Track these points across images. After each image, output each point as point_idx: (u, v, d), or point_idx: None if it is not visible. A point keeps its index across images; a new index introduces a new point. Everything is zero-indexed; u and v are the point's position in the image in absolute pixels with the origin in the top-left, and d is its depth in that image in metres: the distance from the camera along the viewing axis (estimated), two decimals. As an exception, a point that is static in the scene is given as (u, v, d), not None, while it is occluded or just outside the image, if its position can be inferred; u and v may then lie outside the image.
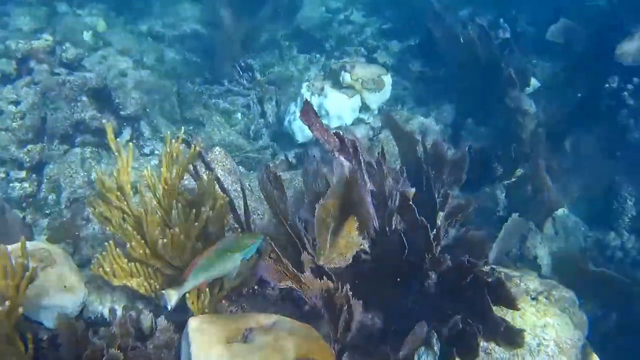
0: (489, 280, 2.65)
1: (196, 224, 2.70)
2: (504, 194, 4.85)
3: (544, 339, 3.10)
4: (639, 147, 4.79)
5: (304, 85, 5.09)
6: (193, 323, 2.44)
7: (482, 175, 4.99)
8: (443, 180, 3.77)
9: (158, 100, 5.34)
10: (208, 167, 3.32)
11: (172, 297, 2.41)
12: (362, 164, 2.91)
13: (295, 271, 2.60)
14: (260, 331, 2.43)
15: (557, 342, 3.12)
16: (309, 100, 4.91)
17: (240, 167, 5.01)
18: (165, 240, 2.63)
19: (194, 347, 2.31)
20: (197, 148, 2.89)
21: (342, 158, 2.97)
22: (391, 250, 2.93)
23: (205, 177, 2.96)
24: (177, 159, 2.85)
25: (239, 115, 5.53)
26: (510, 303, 2.65)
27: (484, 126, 5.14)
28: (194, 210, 2.71)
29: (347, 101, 4.84)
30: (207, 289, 2.67)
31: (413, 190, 2.87)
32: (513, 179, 4.75)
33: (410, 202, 2.79)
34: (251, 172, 5.00)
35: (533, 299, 3.33)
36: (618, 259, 4.79)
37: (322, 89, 4.89)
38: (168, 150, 2.85)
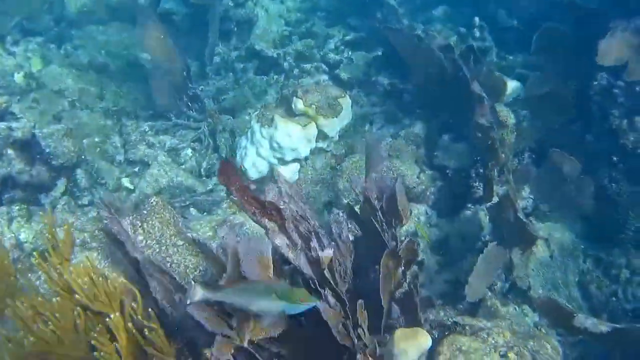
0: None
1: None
2: (487, 217, 4.32)
3: (517, 405, 2.60)
4: (636, 152, 4.22)
5: (254, 115, 4.55)
6: None
7: (462, 196, 4.49)
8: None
9: (99, 142, 4.85)
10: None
11: (196, 293, 2.22)
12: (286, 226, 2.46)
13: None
14: None
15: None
16: (260, 133, 4.44)
17: (191, 209, 4.52)
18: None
19: None
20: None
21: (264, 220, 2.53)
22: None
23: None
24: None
25: (188, 151, 5.01)
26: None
27: (461, 142, 4.59)
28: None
29: (301, 131, 4.29)
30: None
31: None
32: (495, 200, 4.20)
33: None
34: (204, 214, 4.51)
35: (502, 356, 2.85)
36: (625, 280, 4.23)
37: (273, 119, 4.34)
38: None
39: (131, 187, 4.75)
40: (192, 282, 2.30)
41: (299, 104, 4.36)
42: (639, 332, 3.12)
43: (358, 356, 2.36)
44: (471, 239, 4.31)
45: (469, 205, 4.41)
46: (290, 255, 2.62)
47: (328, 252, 2.49)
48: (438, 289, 4.05)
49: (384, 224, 2.98)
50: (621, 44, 4.22)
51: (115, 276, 2.64)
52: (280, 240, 2.67)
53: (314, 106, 4.36)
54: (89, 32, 6.04)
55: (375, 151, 3.65)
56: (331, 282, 2.56)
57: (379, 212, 2.97)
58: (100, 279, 2.38)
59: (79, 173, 4.60)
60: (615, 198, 4.33)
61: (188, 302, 2.25)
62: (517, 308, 4.05)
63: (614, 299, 4.23)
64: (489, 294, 3.93)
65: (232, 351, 2.39)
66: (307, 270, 2.64)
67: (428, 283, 3.88)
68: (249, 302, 2.25)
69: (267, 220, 2.55)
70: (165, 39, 5.06)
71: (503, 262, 3.94)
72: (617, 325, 3.22)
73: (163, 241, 3.51)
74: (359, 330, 2.44)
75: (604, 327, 3.20)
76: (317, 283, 2.59)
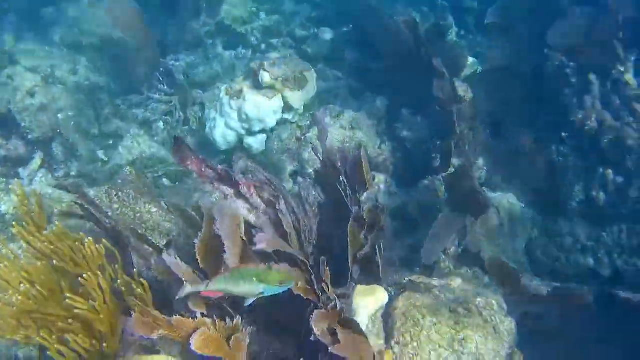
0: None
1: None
2: (443, 187, 4.57)
3: (462, 353, 2.89)
4: (583, 128, 4.51)
5: (223, 88, 4.73)
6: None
7: (421, 167, 4.74)
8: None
9: (73, 117, 4.97)
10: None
11: (185, 289, 2.41)
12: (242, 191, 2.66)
13: (165, 317, 2.31)
14: None
15: (477, 356, 2.90)
16: (228, 104, 4.63)
17: (164, 179, 4.71)
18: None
19: None
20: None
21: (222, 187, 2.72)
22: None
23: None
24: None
25: (160, 124, 5.16)
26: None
27: (420, 116, 4.83)
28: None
29: (268, 103, 4.49)
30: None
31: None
32: (451, 171, 4.46)
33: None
34: (176, 183, 4.70)
35: (452, 311, 3.11)
36: (569, 247, 4.56)
37: (241, 91, 4.53)
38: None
39: (105, 159, 4.91)
40: (185, 283, 2.41)
41: (266, 77, 4.55)
42: (573, 291, 3.43)
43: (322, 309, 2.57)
44: (428, 207, 4.56)
45: (427, 175, 4.65)
46: (251, 218, 2.80)
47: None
48: (396, 254, 4.28)
49: (348, 189, 3.18)
50: (572, 28, 4.49)
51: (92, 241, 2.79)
52: (240, 205, 2.81)
53: (280, 79, 4.55)
54: (61, 9, 6.09)
55: (321, 124, 3.82)
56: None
57: (343, 178, 3.16)
58: (78, 243, 2.55)
59: (55, 146, 4.73)
60: (563, 171, 4.63)
61: (177, 297, 2.43)
62: (469, 270, 4.31)
63: (557, 264, 4.57)
64: (443, 257, 4.18)
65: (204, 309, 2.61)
66: (269, 231, 2.81)
67: (387, 248, 4.14)
68: (232, 288, 2.41)
69: (226, 187, 2.71)
70: (137, 14, 5.17)
71: (457, 228, 4.19)
72: (557, 285, 3.53)
73: (138, 209, 3.70)
74: (323, 286, 2.66)
75: (545, 287, 3.51)
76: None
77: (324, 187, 3.41)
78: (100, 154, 4.92)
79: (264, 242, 2.58)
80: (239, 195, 2.81)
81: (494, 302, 3.44)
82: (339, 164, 3.24)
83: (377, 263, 3.25)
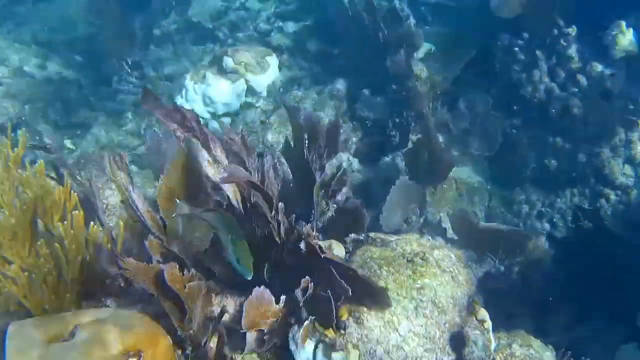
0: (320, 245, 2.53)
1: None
2: (404, 162, 4.73)
3: (421, 300, 2.97)
4: (532, 101, 4.73)
5: (188, 75, 4.89)
6: (11, 328, 2.23)
7: (381, 144, 4.90)
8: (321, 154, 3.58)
9: (40, 108, 5.08)
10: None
11: (183, 207, 2.49)
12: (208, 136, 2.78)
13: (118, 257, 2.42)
14: (86, 327, 2.24)
15: (436, 303, 3.00)
16: (193, 89, 4.78)
17: (132, 166, 4.81)
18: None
19: (8, 354, 2.11)
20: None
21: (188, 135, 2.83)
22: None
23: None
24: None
25: (129, 114, 5.29)
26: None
27: (380, 96, 5.02)
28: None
29: (231, 86, 4.66)
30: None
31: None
32: (410, 146, 4.63)
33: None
34: (144, 169, 4.81)
35: (409, 261, 3.19)
36: (525, 214, 4.74)
37: (204, 76, 4.69)
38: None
39: (73, 147, 5.01)
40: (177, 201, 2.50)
41: (229, 62, 4.72)
42: (513, 232, 3.59)
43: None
44: (390, 183, 4.71)
45: (388, 152, 4.81)
46: (210, 171, 2.90)
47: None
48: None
49: (315, 155, 3.30)
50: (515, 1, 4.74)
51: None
52: (202, 156, 2.83)
53: (243, 63, 4.73)
54: (34, 7, 6.23)
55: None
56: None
57: (308, 142, 3.29)
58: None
59: (20, 134, 4.79)
60: (517, 143, 4.84)
61: (177, 210, 2.52)
62: (430, 239, 4.44)
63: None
64: (405, 226, 4.30)
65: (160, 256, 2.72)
66: (227, 189, 2.92)
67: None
68: (216, 228, 2.50)
69: (191, 134, 2.82)
70: (111, 6, 5.32)
71: (416, 198, 4.33)
72: (501, 226, 3.68)
73: (100, 185, 3.83)
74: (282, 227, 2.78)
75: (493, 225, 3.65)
76: (238, 201, 2.88)
77: (292, 162, 3.53)
78: (68, 143, 5.02)
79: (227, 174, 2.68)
80: (206, 146, 2.86)
81: (452, 254, 3.58)
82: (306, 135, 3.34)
83: (339, 223, 3.38)
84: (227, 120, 4.82)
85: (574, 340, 4.37)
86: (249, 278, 2.48)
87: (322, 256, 2.49)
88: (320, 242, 3.19)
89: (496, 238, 3.83)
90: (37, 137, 4.83)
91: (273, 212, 2.65)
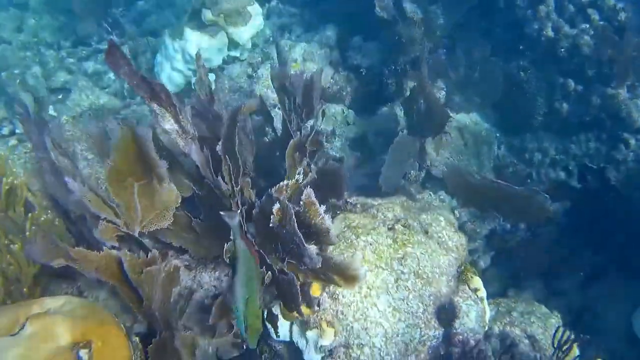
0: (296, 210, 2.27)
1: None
2: (402, 112, 4.39)
3: (402, 272, 2.71)
4: (540, 40, 4.29)
5: (167, 31, 4.57)
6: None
7: (377, 93, 4.57)
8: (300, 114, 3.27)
9: (18, 74, 4.84)
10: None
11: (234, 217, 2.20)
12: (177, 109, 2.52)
13: (66, 247, 2.21)
14: (34, 319, 2.09)
15: (419, 273, 2.74)
16: (172, 47, 4.47)
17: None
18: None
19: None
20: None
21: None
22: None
23: None
24: None
25: (111, 75, 5.02)
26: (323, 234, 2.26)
27: (373, 42, 4.64)
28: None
29: (211, 41, 4.33)
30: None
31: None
32: (407, 94, 4.28)
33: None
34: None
35: (390, 229, 2.91)
36: (538, 162, 4.39)
37: (182, 32, 4.36)
38: None
39: (54, 114, 4.78)
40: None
41: (207, 14, 4.37)
42: (513, 192, 3.28)
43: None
44: (388, 134, 4.39)
45: (385, 102, 4.47)
46: (179, 141, 2.65)
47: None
48: (358, 182, 4.11)
49: (293, 115, 3.04)
50: None
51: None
52: (170, 126, 2.63)
53: (222, 15, 4.37)
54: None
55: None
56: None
57: (288, 102, 3.03)
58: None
59: (-1, 105, 4.60)
60: (524, 86, 4.42)
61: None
62: (432, 194, 4.15)
63: (529, 181, 4.40)
64: (404, 182, 4.00)
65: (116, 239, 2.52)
66: (196, 157, 2.69)
67: (348, 178, 4.01)
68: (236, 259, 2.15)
69: (155, 104, 2.55)
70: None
71: (415, 151, 4.01)
72: (499, 181, 3.37)
73: (76, 155, 3.62)
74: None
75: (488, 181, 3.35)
76: (208, 171, 2.65)
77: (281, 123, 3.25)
78: (50, 109, 4.79)
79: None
80: (175, 116, 2.63)
81: (441, 218, 3.30)
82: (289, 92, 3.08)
83: (321, 187, 3.12)
84: (211, 76, 4.50)
85: (589, 299, 4.13)
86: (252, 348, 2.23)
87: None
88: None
89: (496, 196, 3.49)
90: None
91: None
